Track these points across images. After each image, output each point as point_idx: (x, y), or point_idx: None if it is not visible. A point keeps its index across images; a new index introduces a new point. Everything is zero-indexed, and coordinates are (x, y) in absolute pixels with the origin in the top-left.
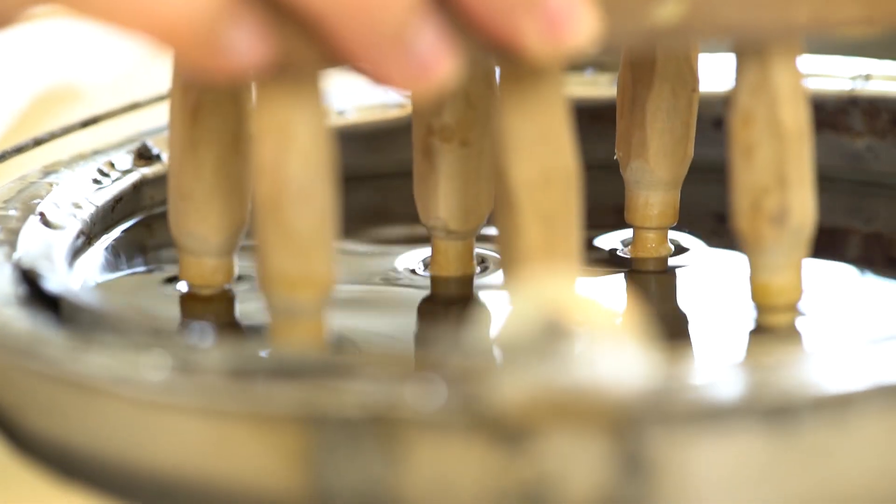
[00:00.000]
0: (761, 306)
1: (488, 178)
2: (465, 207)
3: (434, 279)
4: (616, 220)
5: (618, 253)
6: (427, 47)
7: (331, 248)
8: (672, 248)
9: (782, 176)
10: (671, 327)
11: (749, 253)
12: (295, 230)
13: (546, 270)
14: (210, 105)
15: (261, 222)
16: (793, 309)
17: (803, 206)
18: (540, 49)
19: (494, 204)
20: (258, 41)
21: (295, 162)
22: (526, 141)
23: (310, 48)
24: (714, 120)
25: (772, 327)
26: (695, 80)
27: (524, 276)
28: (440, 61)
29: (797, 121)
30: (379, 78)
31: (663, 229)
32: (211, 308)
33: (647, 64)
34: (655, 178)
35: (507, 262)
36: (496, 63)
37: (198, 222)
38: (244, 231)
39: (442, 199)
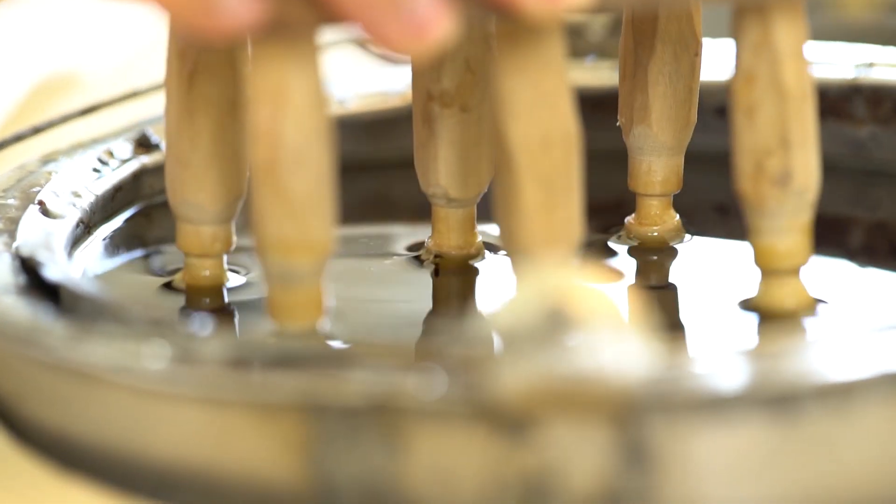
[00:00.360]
0: (766, 270)
1: (489, 144)
2: (465, 174)
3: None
4: (617, 213)
5: (614, 240)
6: (423, 7)
7: (328, 212)
8: (676, 215)
9: (785, 137)
10: (671, 317)
11: (752, 216)
12: (291, 194)
13: (548, 244)
14: (206, 71)
15: (257, 187)
16: (798, 272)
17: (807, 168)
18: (537, 8)
19: (494, 169)
20: (253, 0)
21: (291, 125)
22: (525, 103)
23: (305, 7)
24: (716, 108)
25: (778, 293)
26: (697, 43)
27: (524, 242)
28: (437, 21)
29: (799, 80)
30: (375, 38)
31: (667, 196)
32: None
33: (648, 27)
34: (658, 143)
35: (507, 227)
36: (493, 24)
37: (195, 190)
38: (243, 199)
39: (442, 166)
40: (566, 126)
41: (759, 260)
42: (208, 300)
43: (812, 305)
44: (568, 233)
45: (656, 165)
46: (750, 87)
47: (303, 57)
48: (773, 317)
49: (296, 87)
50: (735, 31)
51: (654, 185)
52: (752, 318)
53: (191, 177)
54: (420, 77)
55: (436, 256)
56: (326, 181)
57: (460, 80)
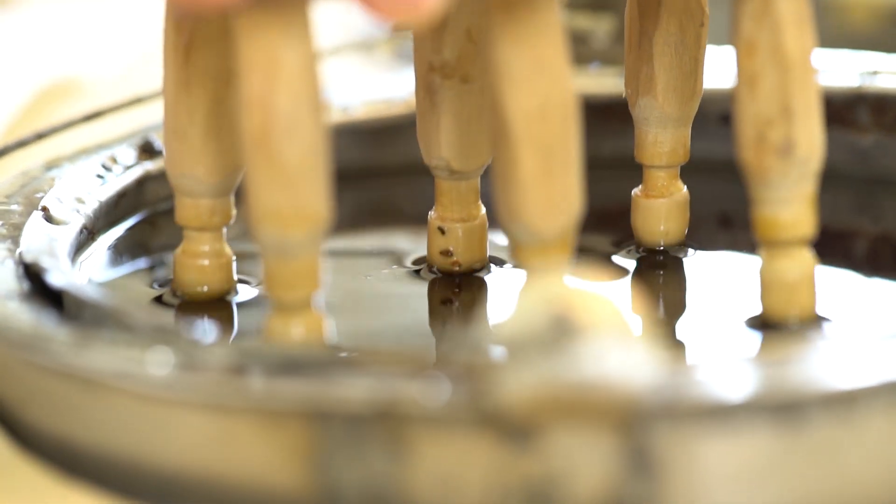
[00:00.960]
0: (769, 241)
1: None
2: (467, 145)
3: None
4: (620, 220)
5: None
6: None
7: (323, 182)
8: (683, 187)
9: (787, 106)
10: (675, 324)
11: (754, 186)
12: (285, 164)
13: (547, 214)
14: (202, 43)
15: (249, 157)
16: (803, 244)
17: (810, 138)
18: None
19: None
20: None
21: (283, 94)
22: (522, 71)
23: None
24: (719, 116)
25: (781, 264)
26: (703, 13)
27: (523, 213)
28: None
29: (802, 49)
30: (369, 7)
31: (674, 168)
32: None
33: None
34: (664, 114)
35: (505, 198)
36: None
37: (193, 163)
38: (241, 171)
39: (444, 138)
40: (564, 94)
41: (762, 231)
42: (209, 272)
43: (814, 279)
44: (567, 203)
45: (662, 136)
46: (751, 57)
47: (294, 25)
48: (777, 290)
49: (287, 56)
50: (735, 0)
51: (661, 156)
52: (756, 331)
53: (188, 149)
54: (421, 48)
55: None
56: (320, 151)
57: (461, 51)
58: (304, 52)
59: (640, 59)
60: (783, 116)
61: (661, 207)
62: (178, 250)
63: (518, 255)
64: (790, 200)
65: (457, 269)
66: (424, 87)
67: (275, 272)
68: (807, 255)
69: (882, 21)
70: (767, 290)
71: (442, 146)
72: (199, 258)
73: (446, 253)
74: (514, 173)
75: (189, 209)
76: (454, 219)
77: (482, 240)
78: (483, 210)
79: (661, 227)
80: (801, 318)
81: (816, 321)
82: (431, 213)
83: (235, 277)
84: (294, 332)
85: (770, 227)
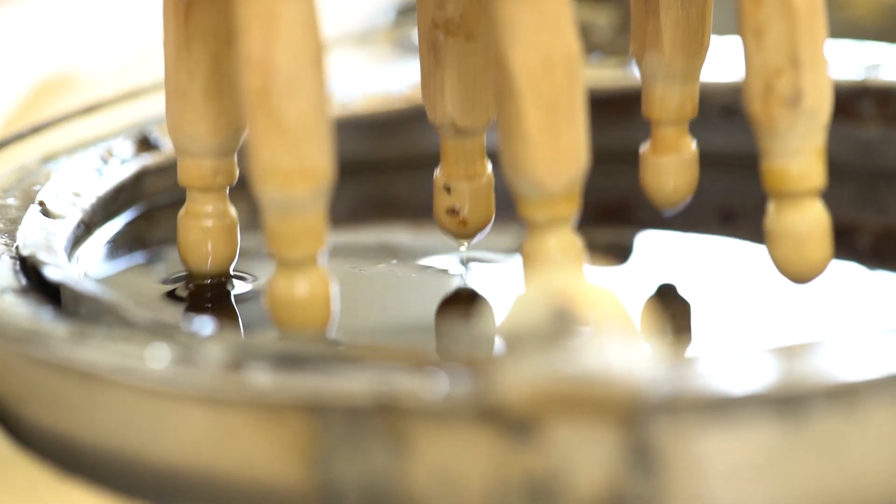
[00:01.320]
0: (779, 193)
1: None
2: (472, 102)
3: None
4: (622, 214)
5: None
6: None
7: (325, 138)
8: (692, 143)
9: (795, 56)
10: (676, 318)
11: (763, 138)
12: (286, 122)
13: (552, 170)
14: (203, 1)
15: (250, 115)
16: (814, 196)
17: (817, 87)
18: None
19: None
20: None
21: (283, 50)
22: (525, 25)
23: None
24: (721, 108)
25: (792, 216)
26: None
27: (528, 168)
28: None
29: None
30: None
31: (682, 123)
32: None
33: None
34: (672, 69)
35: (510, 154)
36: None
37: (195, 122)
38: (244, 130)
39: (448, 95)
40: (569, 48)
41: (771, 183)
42: (212, 233)
43: (825, 231)
44: (573, 156)
45: (670, 92)
46: (757, 7)
47: None
48: (787, 242)
49: (287, 11)
50: None
51: (669, 111)
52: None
53: (190, 109)
54: (425, 5)
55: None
56: (322, 107)
57: (465, 8)
58: (305, 7)
59: (646, 13)
60: (790, 66)
61: (670, 164)
62: (182, 211)
63: (524, 210)
64: (799, 151)
65: (463, 228)
66: (428, 45)
67: (277, 231)
68: (817, 207)
69: (886, 14)
70: (776, 243)
71: (447, 104)
72: (203, 219)
73: (452, 212)
74: (518, 128)
75: (192, 170)
76: (460, 176)
77: (489, 198)
78: (489, 168)
79: (671, 185)
80: (811, 270)
81: (826, 273)
82: (436, 172)
83: (239, 240)
84: (298, 290)
85: (779, 178)
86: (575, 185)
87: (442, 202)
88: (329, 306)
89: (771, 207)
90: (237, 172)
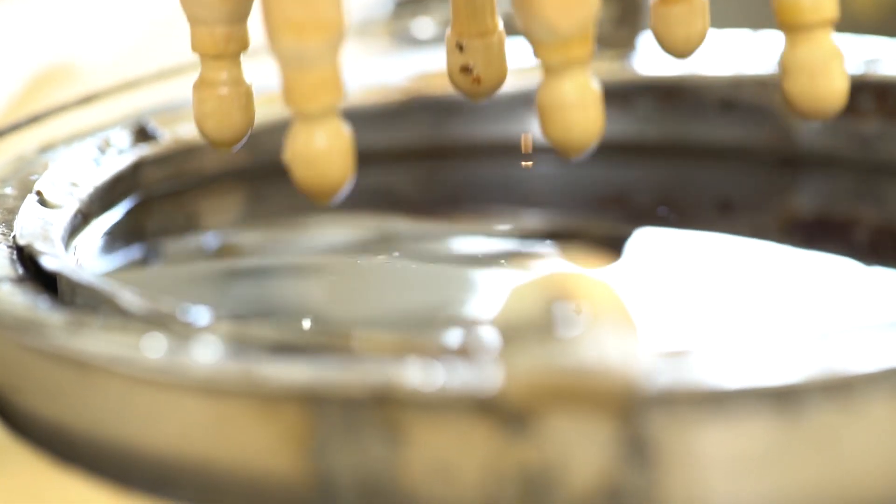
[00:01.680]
0: (791, 25)
1: None
2: None
3: None
4: (618, 208)
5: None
6: None
7: None
8: (708, 22)
9: None
10: (671, 310)
11: None
12: None
13: (564, 13)
14: None
15: None
16: (827, 28)
17: None
18: None
19: None
20: None
21: None
22: None
23: None
24: (719, 102)
25: (804, 49)
26: None
27: (540, 10)
28: None
29: None
30: None
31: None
32: None
33: None
34: None
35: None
36: None
37: None
38: None
39: None
40: None
41: (783, 15)
42: (227, 101)
43: (841, 62)
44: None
45: None
46: None
47: None
48: (800, 75)
49: None
50: None
51: None
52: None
53: None
54: None
55: None
56: None
57: None
58: None
59: None
60: None
61: (681, 13)
62: (196, 81)
63: (539, 54)
64: None
65: (477, 86)
66: None
67: (294, 84)
68: (830, 40)
69: (885, 8)
70: (790, 77)
71: None
72: (218, 86)
73: (466, 69)
74: None
75: (204, 37)
76: (472, 33)
77: (501, 55)
78: (501, 24)
79: (682, 34)
80: (827, 103)
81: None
82: (447, 32)
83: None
84: (317, 143)
85: (791, 10)
86: (588, 26)
87: (455, 61)
88: (349, 158)
89: (784, 42)
90: (250, 40)
